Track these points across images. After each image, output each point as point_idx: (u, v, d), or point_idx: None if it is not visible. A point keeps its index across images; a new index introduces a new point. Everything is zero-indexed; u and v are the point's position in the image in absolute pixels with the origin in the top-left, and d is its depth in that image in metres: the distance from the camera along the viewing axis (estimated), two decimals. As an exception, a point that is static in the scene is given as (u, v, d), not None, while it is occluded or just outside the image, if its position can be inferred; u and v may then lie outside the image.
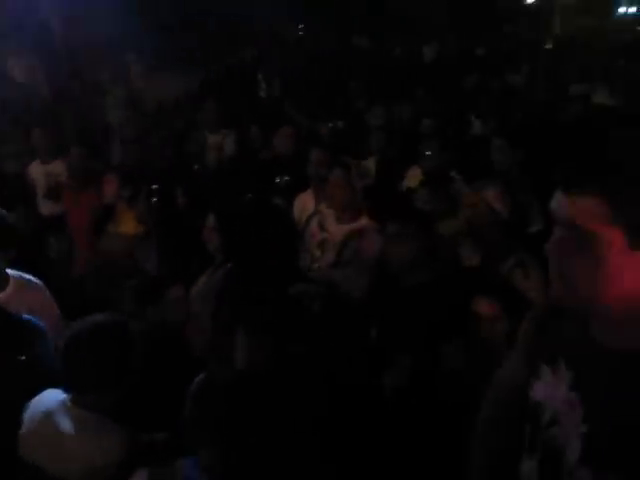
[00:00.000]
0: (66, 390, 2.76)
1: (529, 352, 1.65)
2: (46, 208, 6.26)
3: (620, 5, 33.87)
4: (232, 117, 7.68)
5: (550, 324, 1.57)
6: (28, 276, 3.51)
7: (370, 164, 6.22)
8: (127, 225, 5.14)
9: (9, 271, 3.42)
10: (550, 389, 1.52)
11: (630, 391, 1.35)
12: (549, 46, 17.60)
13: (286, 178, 5.63)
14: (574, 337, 1.48)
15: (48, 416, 2.68)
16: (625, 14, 33.97)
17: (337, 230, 4.46)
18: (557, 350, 1.53)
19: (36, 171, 6.46)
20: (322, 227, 4.66)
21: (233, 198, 5.00)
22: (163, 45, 10.57)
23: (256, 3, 12.16)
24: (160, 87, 9.67)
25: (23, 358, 2.91)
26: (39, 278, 3.58)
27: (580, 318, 1.45)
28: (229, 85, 10.03)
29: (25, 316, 3.10)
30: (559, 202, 1.35)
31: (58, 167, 6.32)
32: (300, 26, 23.65)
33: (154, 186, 4.84)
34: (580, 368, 1.46)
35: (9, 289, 3.36)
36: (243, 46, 12.84)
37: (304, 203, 5.23)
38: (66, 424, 2.64)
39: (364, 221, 4.41)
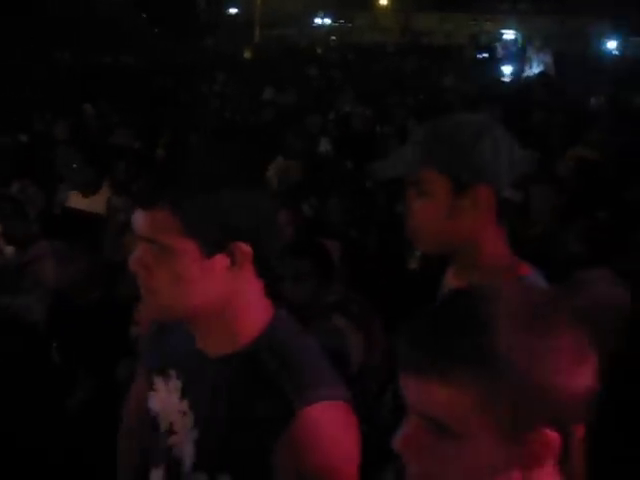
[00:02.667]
0: None
1: (144, 365, 1.67)
2: None
3: (316, 16, 36.05)
4: None
5: (160, 336, 1.60)
6: None
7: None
8: None
9: None
10: (165, 400, 1.55)
11: (224, 393, 1.42)
12: (247, 55, 18.19)
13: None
14: (181, 347, 1.52)
15: None
16: (321, 25, 36.26)
17: (12, 255, 4.23)
18: (167, 361, 1.56)
19: None
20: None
21: None
22: None
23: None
24: None
25: None
26: None
27: (184, 328, 1.49)
28: None
29: None
30: (137, 217, 1.37)
31: None
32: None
33: None
34: (187, 376, 1.50)
35: None
36: None
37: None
38: None
39: (42, 244, 4.21)
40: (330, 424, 1.36)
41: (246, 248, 1.36)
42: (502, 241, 1.71)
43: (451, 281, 1.76)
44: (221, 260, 1.36)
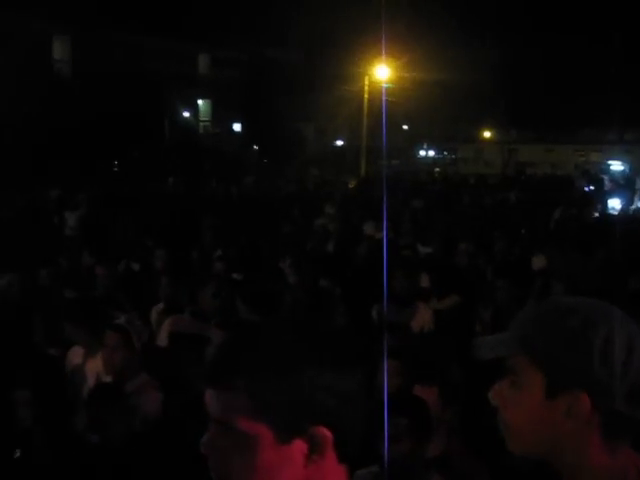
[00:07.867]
0: None
1: None
2: None
3: (421, 149, 36.87)
4: None
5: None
6: None
7: None
8: None
9: None
10: None
11: None
12: (352, 185, 18.62)
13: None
14: None
15: None
16: (425, 157, 36.98)
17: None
18: None
19: None
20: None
21: None
22: None
23: None
24: None
25: None
26: None
27: None
28: None
29: None
30: (208, 397, 1.25)
31: None
32: None
33: None
34: None
35: None
36: None
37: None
38: None
39: (144, 376, 4.23)
40: None
41: (327, 432, 1.22)
42: (609, 465, 1.38)
43: None
44: (299, 446, 1.23)
